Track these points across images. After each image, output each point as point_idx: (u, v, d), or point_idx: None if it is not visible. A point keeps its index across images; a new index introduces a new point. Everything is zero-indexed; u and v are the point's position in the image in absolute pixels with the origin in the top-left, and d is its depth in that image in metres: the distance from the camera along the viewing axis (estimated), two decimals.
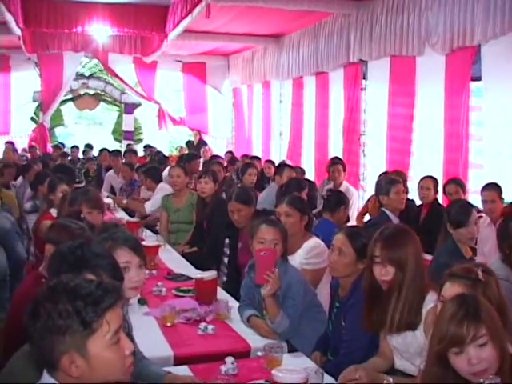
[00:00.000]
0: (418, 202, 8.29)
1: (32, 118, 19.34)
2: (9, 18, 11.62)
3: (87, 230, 4.11)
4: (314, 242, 5.39)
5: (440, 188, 8.10)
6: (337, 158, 11.04)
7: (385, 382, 3.45)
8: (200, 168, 12.06)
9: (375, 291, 3.70)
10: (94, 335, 2.16)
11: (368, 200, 9.57)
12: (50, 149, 18.07)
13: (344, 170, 10.27)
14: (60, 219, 4.63)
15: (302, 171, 11.11)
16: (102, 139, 21.11)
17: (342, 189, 9.52)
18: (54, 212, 6.62)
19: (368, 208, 9.26)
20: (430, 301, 3.56)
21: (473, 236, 5.59)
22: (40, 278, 3.98)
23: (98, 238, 3.67)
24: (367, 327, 3.79)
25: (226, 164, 13.07)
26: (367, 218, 9.18)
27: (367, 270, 3.73)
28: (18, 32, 13.44)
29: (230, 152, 16.30)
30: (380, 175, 8.96)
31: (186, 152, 16.13)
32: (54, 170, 9.56)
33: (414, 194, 8.42)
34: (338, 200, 6.91)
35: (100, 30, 14.95)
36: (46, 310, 2.15)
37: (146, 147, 17.40)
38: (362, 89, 11.39)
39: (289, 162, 12.33)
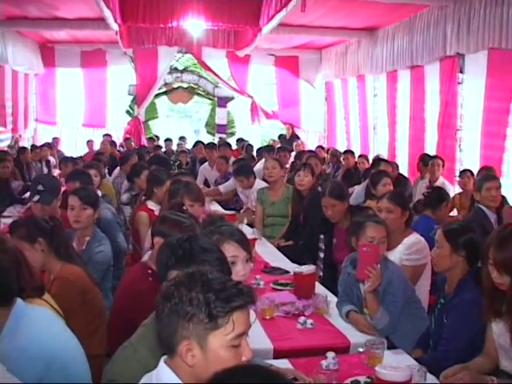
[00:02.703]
0: None
1: (127, 111, 19.72)
2: (107, 14, 11.88)
3: (197, 226, 4.16)
4: (414, 237, 5.36)
5: None
6: (426, 154, 10.93)
7: (489, 381, 3.40)
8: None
9: (493, 286, 3.62)
10: (217, 331, 2.20)
11: (453, 197, 9.44)
12: (144, 141, 18.42)
13: (443, 166, 10.17)
14: (166, 212, 4.70)
15: (397, 166, 10.99)
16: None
17: (438, 184, 9.41)
18: (149, 204, 6.76)
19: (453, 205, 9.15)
20: None
21: None
22: (146, 269, 4.06)
23: (205, 231, 3.72)
24: (487, 316, 3.73)
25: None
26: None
27: (485, 267, 3.65)
28: (116, 27, 13.74)
29: (321, 147, 16.25)
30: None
31: (278, 145, 16.17)
32: (149, 162, 9.71)
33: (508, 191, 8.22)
34: (440, 196, 6.83)
35: (194, 25, 15.14)
36: (179, 294, 2.21)
37: (239, 140, 17.50)
38: (458, 82, 11.17)
39: (383, 157, 12.24)
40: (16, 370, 2.81)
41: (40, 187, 5.93)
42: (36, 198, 5.86)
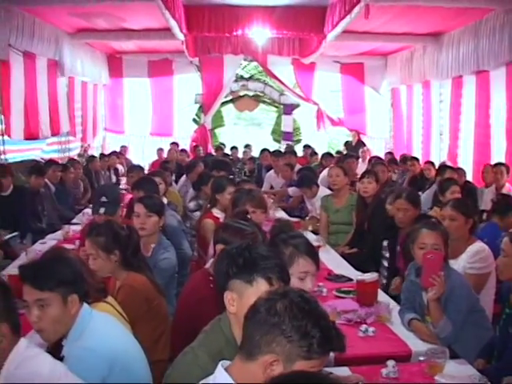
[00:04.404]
0: None
1: (194, 120, 19.89)
2: (173, 24, 12.04)
3: (259, 234, 4.20)
4: (478, 246, 5.31)
5: None
6: (489, 164, 10.76)
7: None
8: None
9: None
10: (306, 361, 2.25)
11: None
12: (211, 149, 18.57)
13: (508, 172, 9.95)
14: (228, 220, 4.76)
15: (464, 173, 10.82)
16: (261, 140, 21.43)
17: (504, 191, 9.26)
18: (214, 211, 6.82)
19: None
20: None
21: None
22: (208, 276, 4.12)
23: (277, 239, 3.76)
24: None
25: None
26: None
27: None
28: (182, 37, 13.92)
29: (390, 153, 16.13)
30: None
31: (345, 152, 16.10)
32: (212, 166, 9.80)
33: None
34: (508, 204, 6.73)
35: (259, 33, 15.19)
36: (291, 315, 2.27)
37: (305, 147, 17.47)
38: None
39: (449, 163, 12.09)
40: (80, 370, 2.93)
41: (104, 199, 6.10)
42: (102, 210, 6.02)
